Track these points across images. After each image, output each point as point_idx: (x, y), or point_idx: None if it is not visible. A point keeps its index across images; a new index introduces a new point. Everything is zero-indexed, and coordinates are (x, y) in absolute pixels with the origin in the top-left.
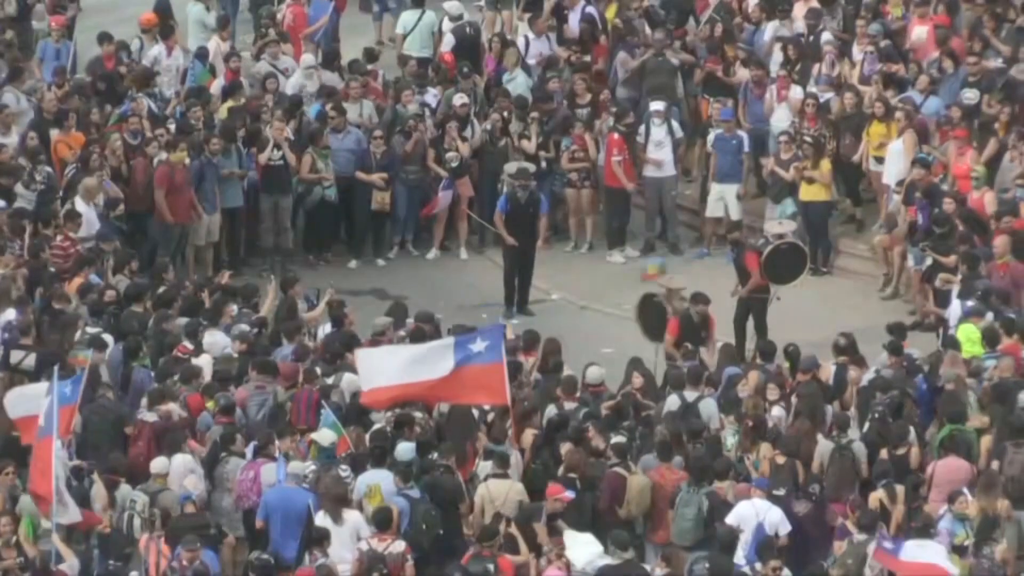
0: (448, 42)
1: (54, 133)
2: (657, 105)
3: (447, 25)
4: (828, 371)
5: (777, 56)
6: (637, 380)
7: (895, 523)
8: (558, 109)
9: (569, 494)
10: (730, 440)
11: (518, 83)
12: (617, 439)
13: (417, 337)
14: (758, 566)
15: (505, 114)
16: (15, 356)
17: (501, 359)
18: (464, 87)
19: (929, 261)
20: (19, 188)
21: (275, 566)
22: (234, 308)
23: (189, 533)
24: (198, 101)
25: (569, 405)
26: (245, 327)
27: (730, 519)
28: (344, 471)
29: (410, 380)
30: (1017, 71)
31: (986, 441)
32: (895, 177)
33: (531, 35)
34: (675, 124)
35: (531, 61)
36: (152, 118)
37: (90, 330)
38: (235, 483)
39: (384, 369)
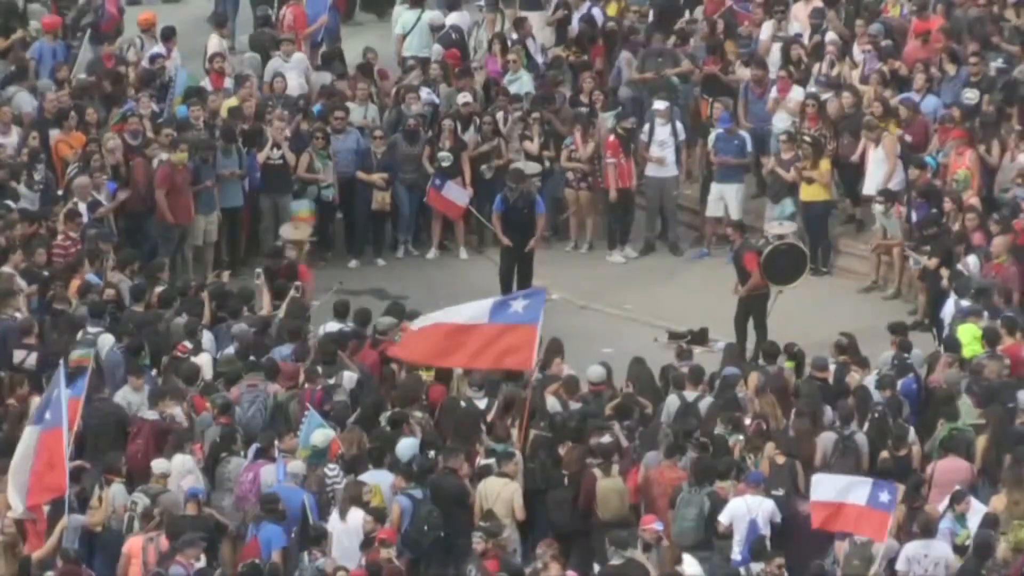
0: (437, 52)
1: (54, 133)
2: (660, 105)
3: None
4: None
5: (775, 56)
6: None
7: (895, 523)
8: (562, 110)
9: (658, 526)
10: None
11: (523, 83)
12: (603, 439)
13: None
14: (754, 566)
15: (499, 114)
16: (17, 356)
17: (536, 321)
18: (463, 86)
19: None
20: (22, 189)
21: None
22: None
23: (189, 533)
24: (198, 101)
25: (573, 405)
26: (244, 326)
27: (723, 517)
28: (331, 470)
29: (444, 320)
30: (1020, 72)
31: (982, 440)
32: (877, 186)
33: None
34: (679, 125)
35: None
36: (153, 119)
37: (91, 330)
38: (236, 483)
39: (427, 319)
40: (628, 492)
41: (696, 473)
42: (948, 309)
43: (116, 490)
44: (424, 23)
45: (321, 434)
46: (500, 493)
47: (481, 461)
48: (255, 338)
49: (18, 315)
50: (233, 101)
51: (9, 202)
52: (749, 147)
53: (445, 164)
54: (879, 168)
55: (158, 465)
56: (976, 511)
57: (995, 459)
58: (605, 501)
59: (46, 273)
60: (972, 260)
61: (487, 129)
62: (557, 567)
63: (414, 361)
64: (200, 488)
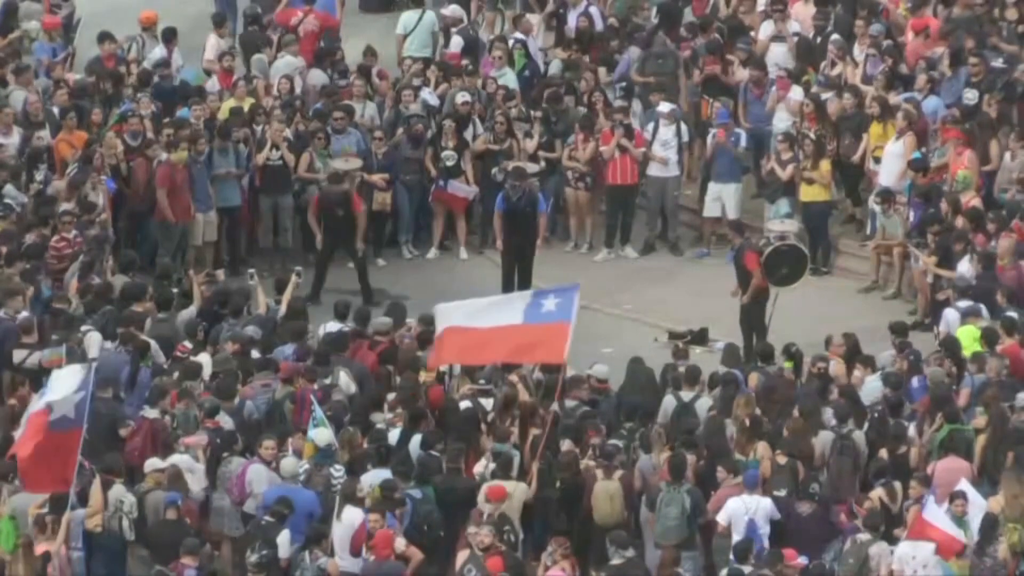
0: (456, 43)
1: (43, 134)
2: (665, 108)
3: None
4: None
5: (773, 55)
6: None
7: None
8: (567, 109)
9: (802, 560)
10: None
11: (507, 79)
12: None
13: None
14: (747, 569)
15: (513, 112)
16: (18, 356)
17: (569, 318)
18: (467, 85)
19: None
20: (9, 189)
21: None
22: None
23: (167, 542)
24: (199, 101)
25: (571, 404)
26: (239, 328)
27: (721, 517)
28: (337, 471)
29: (478, 325)
30: (1020, 72)
31: (981, 440)
32: (889, 179)
33: (519, 34)
34: (684, 127)
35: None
36: (153, 119)
37: (84, 328)
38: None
39: (456, 316)
40: (621, 496)
41: (672, 470)
42: (951, 316)
43: (117, 491)
44: (425, 23)
45: (321, 434)
46: (513, 494)
47: (485, 464)
48: (266, 338)
49: (20, 315)
50: (232, 102)
51: (9, 202)
52: (743, 143)
53: (450, 163)
54: (895, 162)
55: (151, 464)
56: (977, 507)
57: (994, 459)
58: (596, 504)
59: (28, 267)
60: (965, 263)
61: (500, 129)
62: (567, 565)
63: (448, 362)
64: (179, 495)
